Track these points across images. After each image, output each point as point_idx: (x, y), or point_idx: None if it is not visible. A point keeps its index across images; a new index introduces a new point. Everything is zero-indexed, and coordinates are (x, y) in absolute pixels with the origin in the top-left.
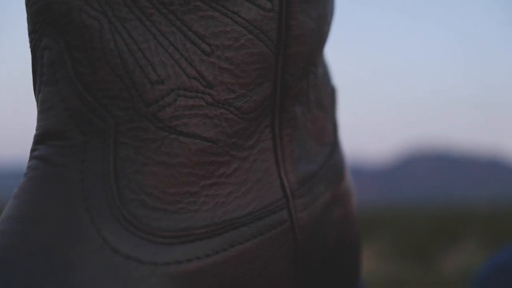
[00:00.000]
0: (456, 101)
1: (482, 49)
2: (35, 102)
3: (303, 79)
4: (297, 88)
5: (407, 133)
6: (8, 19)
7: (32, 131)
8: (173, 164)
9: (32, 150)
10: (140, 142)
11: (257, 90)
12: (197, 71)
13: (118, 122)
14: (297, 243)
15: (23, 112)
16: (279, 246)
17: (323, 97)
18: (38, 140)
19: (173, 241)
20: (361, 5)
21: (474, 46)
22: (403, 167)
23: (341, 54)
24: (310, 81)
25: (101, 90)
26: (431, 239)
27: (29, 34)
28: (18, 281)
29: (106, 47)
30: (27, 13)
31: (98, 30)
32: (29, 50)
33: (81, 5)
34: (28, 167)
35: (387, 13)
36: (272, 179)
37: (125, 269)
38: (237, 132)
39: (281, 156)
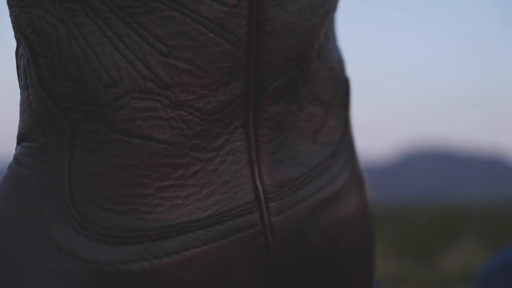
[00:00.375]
0: (457, 100)
1: (482, 48)
2: None
3: (282, 76)
4: (273, 86)
5: (407, 131)
6: (8, 19)
7: None
8: (125, 166)
9: (15, 150)
10: (93, 144)
11: (223, 90)
12: (153, 72)
13: (73, 124)
14: (269, 248)
15: None
16: (244, 250)
17: (322, 93)
18: (17, 141)
19: (119, 241)
20: (362, 3)
21: (474, 45)
22: (403, 166)
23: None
24: (297, 77)
25: (59, 94)
26: (432, 238)
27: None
28: None
29: (62, 53)
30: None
31: (56, 36)
32: None
33: (41, 14)
34: (7, 165)
35: (388, 12)
36: (242, 182)
37: (66, 266)
38: (198, 134)
39: (255, 157)
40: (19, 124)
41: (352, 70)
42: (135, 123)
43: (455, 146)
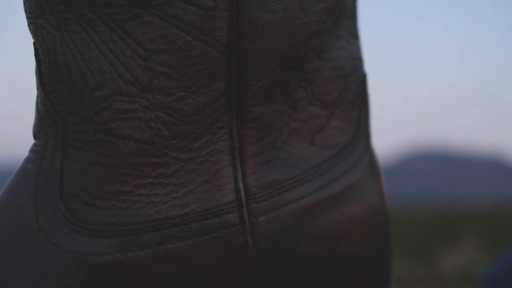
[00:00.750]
0: (457, 101)
1: (482, 49)
2: None
3: (266, 77)
4: (257, 87)
5: (407, 132)
6: (8, 20)
7: None
8: (107, 164)
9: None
10: (81, 143)
11: (202, 91)
12: (133, 76)
13: (66, 125)
14: (249, 249)
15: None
16: (220, 249)
17: (324, 93)
18: (33, 138)
19: (97, 234)
20: (368, 6)
21: (475, 46)
22: (403, 166)
23: None
24: (286, 77)
25: (56, 98)
26: (431, 238)
27: None
28: None
29: (57, 60)
30: None
31: (52, 44)
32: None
33: (43, 24)
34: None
35: (388, 13)
36: (223, 182)
37: (49, 254)
38: (177, 134)
39: (238, 158)
40: (33, 122)
41: None
42: (116, 124)
43: (455, 146)
